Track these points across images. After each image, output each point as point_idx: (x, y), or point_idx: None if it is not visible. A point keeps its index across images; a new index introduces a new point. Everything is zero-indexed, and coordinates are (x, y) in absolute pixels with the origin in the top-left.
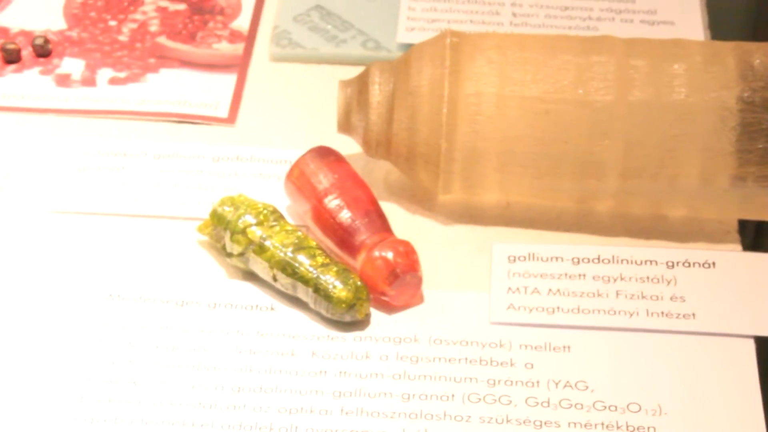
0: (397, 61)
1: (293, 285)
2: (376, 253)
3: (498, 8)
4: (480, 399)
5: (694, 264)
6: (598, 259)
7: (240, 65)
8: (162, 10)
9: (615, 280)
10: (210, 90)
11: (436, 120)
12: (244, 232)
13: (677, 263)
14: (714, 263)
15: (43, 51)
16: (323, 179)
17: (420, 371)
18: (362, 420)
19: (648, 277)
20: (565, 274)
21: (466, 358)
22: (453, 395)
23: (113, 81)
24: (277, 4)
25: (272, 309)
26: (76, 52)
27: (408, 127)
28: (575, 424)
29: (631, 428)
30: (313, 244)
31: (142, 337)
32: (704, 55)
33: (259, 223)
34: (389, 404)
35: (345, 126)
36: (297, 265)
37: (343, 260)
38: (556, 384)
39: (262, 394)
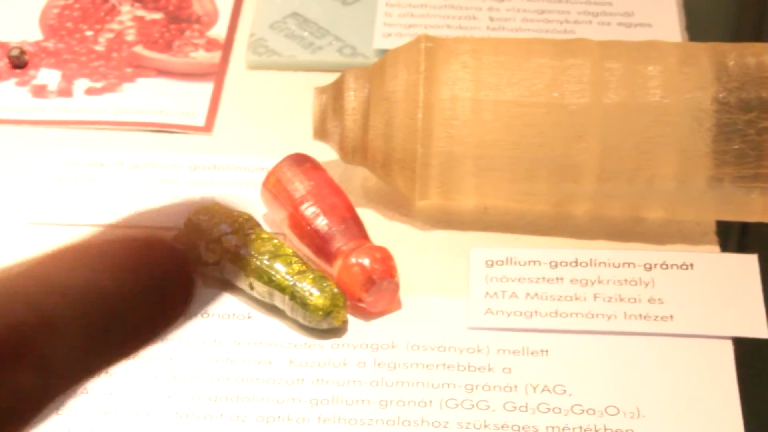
0: (372, 67)
1: (270, 293)
2: (353, 260)
3: (475, 12)
4: (458, 404)
5: (671, 266)
6: (576, 262)
7: (217, 73)
8: (139, 19)
9: (593, 284)
10: (187, 99)
11: (411, 125)
12: (219, 240)
13: (655, 265)
14: (692, 265)
15: (19, 62)
16: (299, 186)
17: (397, 377)
18: (340, 427)
19: (626, 280)
20: (543, 278)
21: (444, 364)
22: (431, 401)
23: (90, 91)
24: (254, 11)
25: (249, 317)
26: (52, 62)
27: (383, 132)
28: (553, 428)
29: (609, 431)
30: (290, 251)
31: None
32: (679, 56)
33: (235, 232)
34: (367, 411)
35: (321, 133)
36: (273, 272)
37: (320, 267)
38: (534, 388)
39: (239, 403)
